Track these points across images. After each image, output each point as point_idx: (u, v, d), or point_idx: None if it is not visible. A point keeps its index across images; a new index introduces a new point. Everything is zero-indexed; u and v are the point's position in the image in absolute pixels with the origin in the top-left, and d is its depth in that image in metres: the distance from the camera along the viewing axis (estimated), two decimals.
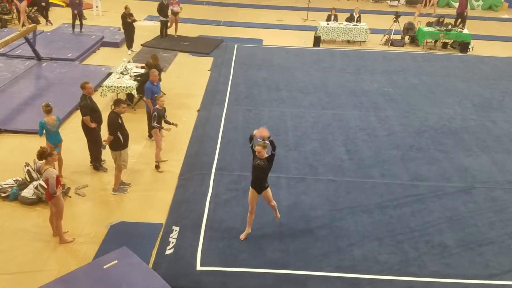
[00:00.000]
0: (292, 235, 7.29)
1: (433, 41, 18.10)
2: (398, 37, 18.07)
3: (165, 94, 12.04)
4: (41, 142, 8.12)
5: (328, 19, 18.23)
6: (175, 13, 16.89)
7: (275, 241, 7.13)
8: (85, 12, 17.96)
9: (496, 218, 7.92)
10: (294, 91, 12.94)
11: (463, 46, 17.44)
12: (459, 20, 19.39)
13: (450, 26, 17.97)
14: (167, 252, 6.85)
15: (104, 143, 8.20)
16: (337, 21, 18.05)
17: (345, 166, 9.30)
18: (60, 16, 18.94)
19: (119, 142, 7.90)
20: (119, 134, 7.87)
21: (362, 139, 10.42)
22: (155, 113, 8.55)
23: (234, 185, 8.49)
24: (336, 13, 18.34)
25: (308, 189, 8.47)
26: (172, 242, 7.02)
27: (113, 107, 8.02)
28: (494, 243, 7.31)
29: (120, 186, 8.24)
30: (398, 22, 17.65)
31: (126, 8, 14.81)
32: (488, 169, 9.44)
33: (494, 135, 10.89)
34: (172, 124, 8.82)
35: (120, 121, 7.92)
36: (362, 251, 7.01)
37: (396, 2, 25.21)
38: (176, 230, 7.27)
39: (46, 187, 6.67)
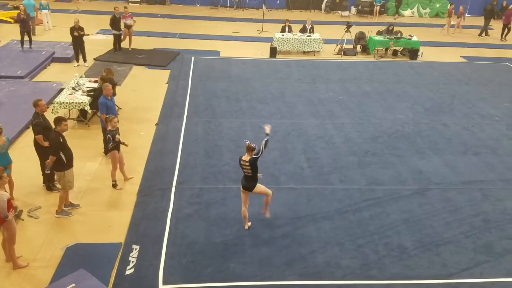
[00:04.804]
0: (256, 245, 7.28)
1: (383, 49, 18.71)
2: (350, 46, 18.57)
3: (120, 108, 11.84)
4: None
5: (283, 30, 18.52)
6: (128, 26, 16.67)
7: (239, 253, 7.10)
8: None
9: (451, 218, 8.22)
10: (253, 101, 13.01)
11: (413, 53, 18.14)
12: (505, 30, 21.47)
13: (399, 34, 18.63)
14: (128, 272, 6.65)
15: (47, 163, 7.82)
16: (291, 32, 18.36)
17: (305, 174, 9.42)
18: (8, 32, 18.25)
19: (62, 162, 7.60)
20: (61, 154, 7.56)
21: (321, 146, 10.60)
22: (109, 135, 8.27)
23: (196, 199, 8.40)
24: (290, 24, 18.66)
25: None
26: (133, 262, 6.84)
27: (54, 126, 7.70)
28: (451, 242, 7.58)
29: (64, 209, 7.90)
30: (350, 32, 18.15)
31: (74, 21, 14.57)
32: (441, 171, 9.81)
33: (446, 138, 11.34)
34: (123, 143, 8.61)
35: (61, 140, 7.60)
36: (324, 257, 7.09)
37: (347, 12, 25.95)
38: (136, 249, 7.09)
39: None
